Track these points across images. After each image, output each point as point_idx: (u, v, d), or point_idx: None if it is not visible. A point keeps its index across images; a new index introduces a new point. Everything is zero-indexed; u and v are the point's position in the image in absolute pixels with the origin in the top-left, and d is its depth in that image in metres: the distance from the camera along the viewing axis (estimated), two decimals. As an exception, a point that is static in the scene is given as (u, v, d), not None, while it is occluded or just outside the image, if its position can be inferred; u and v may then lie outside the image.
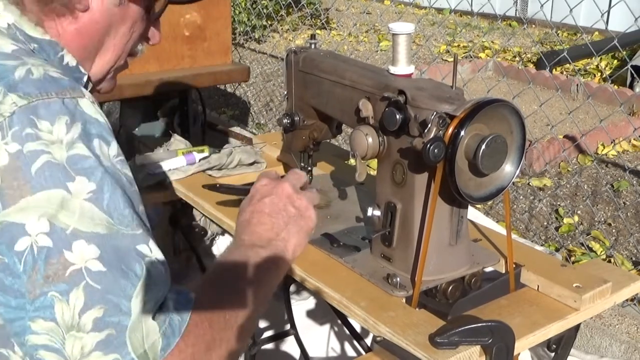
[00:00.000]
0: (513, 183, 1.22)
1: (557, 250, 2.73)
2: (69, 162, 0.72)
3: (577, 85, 4.70)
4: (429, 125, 0.96)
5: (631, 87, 4.70)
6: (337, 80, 1.20)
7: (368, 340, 1.54)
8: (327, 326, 1.79)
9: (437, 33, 6.63)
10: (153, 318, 0.74)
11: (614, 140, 3.72)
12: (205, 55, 2.45)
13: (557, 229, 2.99)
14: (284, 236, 0.94)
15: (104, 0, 0.86)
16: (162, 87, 2.30)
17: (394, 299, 1.04)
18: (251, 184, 1.03)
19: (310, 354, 1.41)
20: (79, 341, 0.70)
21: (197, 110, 2.55)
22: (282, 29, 6.66)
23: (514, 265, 1.12)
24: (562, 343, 1.13)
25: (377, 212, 1.11)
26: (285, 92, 1.37)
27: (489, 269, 1.16)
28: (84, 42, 0.87)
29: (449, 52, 5.93)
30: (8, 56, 0.77)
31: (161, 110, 2.55)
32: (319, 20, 6.78)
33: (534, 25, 6.70)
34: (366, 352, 1.20)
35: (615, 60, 5.39)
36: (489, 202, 2.91)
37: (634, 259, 2.71)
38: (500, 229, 1.37)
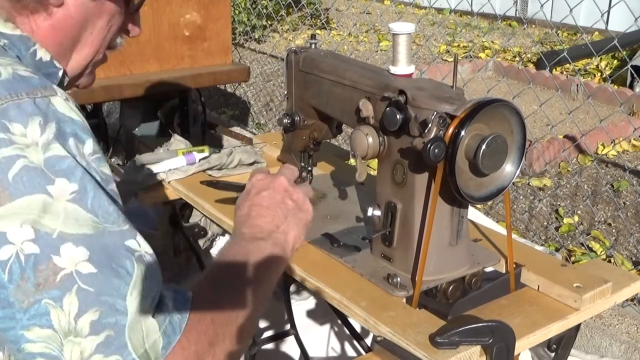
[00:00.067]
0: (513, 183, 1.22)
1: (557, 250, 2.73)
2: (46, 165, 0.70)
3: (577, 85, 4.70)
4: (430, 125, 0.96)
5: (631, 87, 4.70)
6: (337, 80, 1.20)
7: (368, 340, 1.54)
8: (327, 326, 1.79)
9: (437, 33, 6.63)
10: (152, 317, 0.73)
11: (614, 140, 3.72)
12: (205, 55, 2.45)
13: (557, 229, 2.99)
14: (284, 228, 0.94)
15: None
16: (162, 87, 2.31)
17: (394, 299, 1.04)
18: None
19: (310, 354, 1.40)
20: (78, 346, 0.69)
21: (197, 110, 2.55)
22: (282, 29, 6.66)
23: (514, 265, 1.12)
24: (563, 343, 1.13)
25: (378, 212, 1.11)
26: (285, 92, 1.37)
27: (489, 269, 1.16)
28: (59, 37, 0.85)
29: (449, 52, 5.93)
30: None
31: (161, 110, 2.56)
32: (319, 20, 6.78)
33: (534, 25, 6.70)
34: (366, 352, 1.20)
35: (615, 60, 5.39)
36: (489, 202, 2.91)
37: (634, 259, 2.71)
38: (501, 229, 1.37)
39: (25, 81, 0.74)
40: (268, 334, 1.55)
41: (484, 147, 0.95)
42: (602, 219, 3.06)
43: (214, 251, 1.79)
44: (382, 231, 1.10)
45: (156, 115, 2.55)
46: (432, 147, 0.94)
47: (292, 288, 1.54)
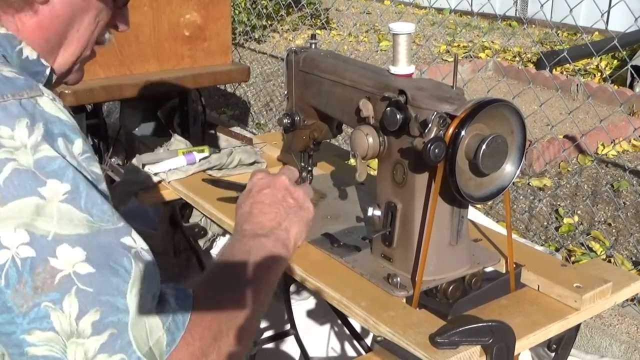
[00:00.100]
0: (513, 183, 1.22)
1: (557, 250, 2.73)
2: (37, 167, 0.69)
3: (577, 85, 4.69)
4: (430, 125, 0.96)
5: (631, 87, 4.70)
6: (337, 80, 1.20)
7: (368, 340, 1.54)
8: (327, 326, 1.79)
9: (437, 33, 6.63)
10: (155, 314, 0.73)
11: (614, 140, 3.72)
12: (205, 55, 2.45)
13: (557, 229, 2.99)
14: (286, 225, 0.94)
15: None
16: (162, 87, 2.30)
17: (394, 298, 1.04)
18: None
19: (310, 354, 1.41)
20: (81, 347, 0.68)
21: (197, 110, 2.55)
22: (282, 29, 6.66)
23: (514, 265, 1.12)
24: (563, 343, 1.13)
25: (378, 212, 1.11)
26: (286, 92, 1.37)
27: (489, 269, 1.16)
28: (45, 35, 0.84)
29: (449, 52, 5.93)
30: None
31: (161, 110, 2.56)
32: (319, 20, 6.78)
33: (534, 25, 6.70)
34: (366, 352, 1.20)
35: (615, 60, 5.39)
36: (489, 202, 2.91)
37: (634, 259, 2.71)
38: (501, 229, 1.37)
39: (10, 82, 0.73)
40: (268, 334, 1.56)
41: (484, 147, 0.95)
42: (602, 219, 3.06)
43: (214, 251, 1.79)
44: (382, 231, 1.10)
45: (156, 115, 2.55)
46: (432, 147, 0.94)
47: (292, 288, 1.54)
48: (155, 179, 1.50)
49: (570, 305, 1.05)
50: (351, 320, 1.31)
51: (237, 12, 5.92)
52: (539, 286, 1.10)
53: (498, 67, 5.31)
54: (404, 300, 1.04)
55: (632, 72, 4.31)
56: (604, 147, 3.78)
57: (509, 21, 6.90)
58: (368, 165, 1.15)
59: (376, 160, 1.11)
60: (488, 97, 0.98)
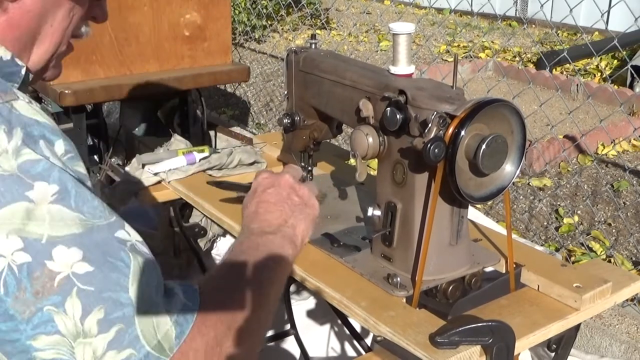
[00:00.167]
0: (513, 183, 1.22)
1: (557, 250, 2.73)
2: (21, 171, 0.68)
3: (577, 85, 4.69)
4: (430, 125, 0.96)
5: (631, 87, 4.70)
6: (337, 80, 1.20)
7: (368, 340, 1.54)
8: (327, 326, 1.79)
9: (437, 33, 6.63)
10: (161, 307, 0.72)
11: (614, 140, 3.72)
12: (205, 55, 2.45)
13: (557, 229, 2.99)
14: (292, 222, 0.95)
15: None
16: (162, 87, 2.31)
17: (394, 298, 1.04)
18: None
19: (310, 354, 1.41)
20: (89, 347, 0.68)
21: (197, 110, 2.55)
22: (282, 29, 6.66)
23: (514, 265, 1.12)
24: (563, 343, 1.13)
25: (378, 212, 1.11)
26: (286, 92, 1.37)
27: (489, 269, 1.16)
28: (16, 33, 0.80)
29: (449, 52, 5.93)
30: None
31: (161, 110, 2.56)
32: (319, 20, 6.78)
33: (534, 25, 6.70)
34: (366, 352, 1.20)
35: (615, 60, 5.39)
36: (489, 202, 2.91)
37: (634, 259, 2.71)
38: (500, 229, 1.37)
39: None
40: (268, 334, 1.55)
41: (484, 147, 0.95)
42: (602, 219, 3.06)
43: (215, 252, 1.79)
44: (382, 231, 1.10)
45: (156, 115, 2.55)
46: (432, 147, 0.94)
47: (292, 288, 1.55)
48: (155, 179, 1.50)
49: (570, 305, 1.05)
50: (351, 320, 1.31)
51: (237, 12, 5.92)
52: (538, 286, 1.10)
53: (498, 67, 5.31)
54: (404, 300, 1.04)
55: (632, 72, 4.31)
56: (604, 147, 3.78)
57: (509, 21, 6.90)
58: (368, 165, 1.15)
59: (376, 160, 1.11)
60: (488, 97, 0.98)
